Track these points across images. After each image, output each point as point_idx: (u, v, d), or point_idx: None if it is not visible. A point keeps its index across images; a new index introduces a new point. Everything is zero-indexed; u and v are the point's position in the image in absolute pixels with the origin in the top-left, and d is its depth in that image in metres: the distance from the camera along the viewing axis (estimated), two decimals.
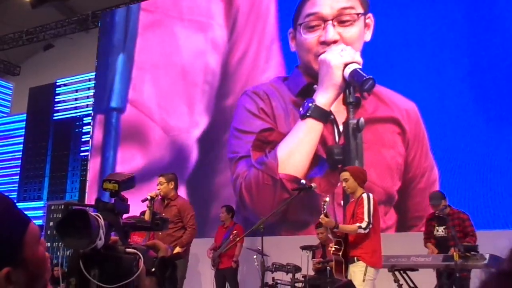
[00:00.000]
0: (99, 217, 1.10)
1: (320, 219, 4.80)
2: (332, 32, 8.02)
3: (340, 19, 8.07)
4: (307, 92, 8.14)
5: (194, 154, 9.11)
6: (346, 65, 7.73)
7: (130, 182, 1.25)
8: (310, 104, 7.88)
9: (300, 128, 7.99)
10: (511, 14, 7.17)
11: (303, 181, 7.49)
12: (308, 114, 7.88)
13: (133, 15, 10.42)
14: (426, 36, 7.67)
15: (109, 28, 10.92)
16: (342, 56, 7.78)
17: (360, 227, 4.61)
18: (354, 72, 7.66)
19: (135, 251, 1.15)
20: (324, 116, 7.83)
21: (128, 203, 1.23)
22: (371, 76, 7.56)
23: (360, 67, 7.68)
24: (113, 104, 10.04)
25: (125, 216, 1.24)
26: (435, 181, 7.07)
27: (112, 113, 10.04)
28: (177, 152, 9.25)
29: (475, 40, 7.33)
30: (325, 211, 4.71)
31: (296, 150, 7.94)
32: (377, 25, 7.95)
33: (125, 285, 1.11)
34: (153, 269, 1.19)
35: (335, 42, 7.97)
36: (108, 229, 1.13)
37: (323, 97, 7.86)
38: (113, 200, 1.20)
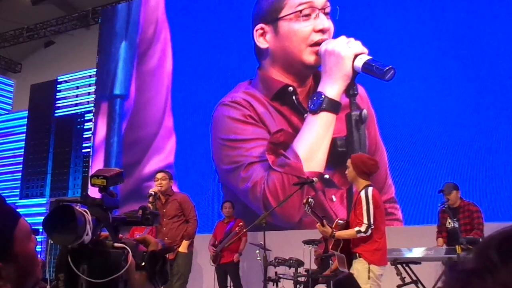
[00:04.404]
0: (86, 212, 1.10)
1: (317, 227, 4.62)
2: (326, 20, 8.05)
3: (325, 10, 8.12)
4: (282, 95, 8.21)
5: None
6: (356, 55, 7.73)
7: (118, 177, 1.25)
8: (322, 98, 7.85)
9: (315, 122, 7.93)
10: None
11: (326, 175, 7.56)
12: (322, 107, 7.85)
13: (135, 3, 10.57)
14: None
15: (110, 22, 10.99)
16: (350, 47, 7.78)
17: (359, 231, 4.40)
18: (371, 62, 7.62)
19: (123, 245, 1.15)
20: (337, 108, 7.83)
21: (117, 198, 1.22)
22: (391, 66, 7.53)
23: (371, 57, 7.66)
24: (117, 91, 10.22)
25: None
26: (384, 156, 7.51)
27: (115, 100, 10.22)
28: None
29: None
30: (309, 211, 4.53)
31: (316, 146, 7.88)
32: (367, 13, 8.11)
33: (114, 279, 1.10)
34: (143, 263, 1.19)
35: (328, 30, 8.04)
36: (96, 225, 1.13)
37: (333, 89, 7.84)
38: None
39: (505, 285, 0.63)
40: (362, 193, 4.52)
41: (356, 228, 4.43)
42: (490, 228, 5.79)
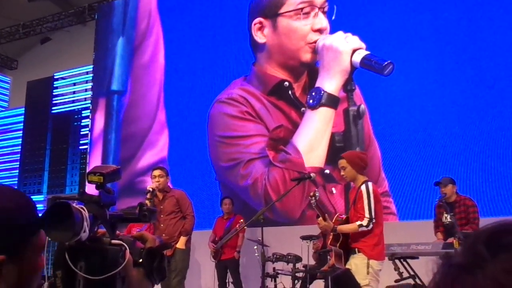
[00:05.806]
0: (83, 209, 1.09)
1: (318, 222, 4.61)
2: (324, 19, 8.05)
3: (324, 9, 8.13)
4: (278, 90, 8.21)
5: None
6: (354, 50, 7.72)
7: (115, 174, 1.24)
8: (321, 93, 7.84)
9: (314, 118, 7.94)
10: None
11: (327, 171, 7.58)
12: (322, 102, 7.84)
13: None
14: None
15: (107, 18, 10.98)
16: (348, 42, 7.78)
17: (361, 225, 4.40)
18: (370, 57, 7.63)
19: (121, 242, 1.14)
20: (336, 103, 7.84)
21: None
22: (390, 61, 7.53)
23: (369, 52, 7.65)
24: (114, 87, 10.23)
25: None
26: (377, 151, 7.54)
27: (113, 96, 10.22)
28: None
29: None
30: (314, 204, 4.54)
31: (316, 141, 7.89)
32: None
33: (111, 276, 1.10)
34: (141, 260, 1.19)
35: (325, 29, 8.05)
36: (94, 222, 1.12)
37: (332, 84, 7.85)
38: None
39: (494, 279, 0.63)
40: (363, 188, 4.52)
41: (358, 222, 4.44)
42: (484, 222, 5.78)
